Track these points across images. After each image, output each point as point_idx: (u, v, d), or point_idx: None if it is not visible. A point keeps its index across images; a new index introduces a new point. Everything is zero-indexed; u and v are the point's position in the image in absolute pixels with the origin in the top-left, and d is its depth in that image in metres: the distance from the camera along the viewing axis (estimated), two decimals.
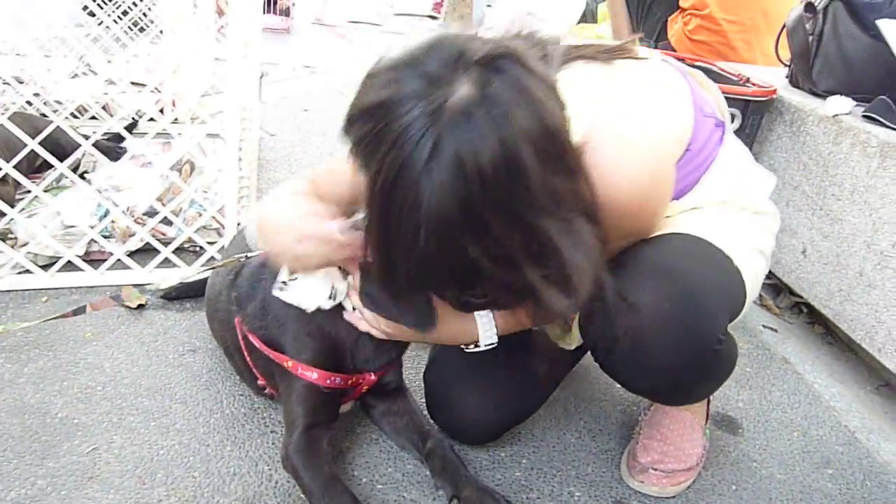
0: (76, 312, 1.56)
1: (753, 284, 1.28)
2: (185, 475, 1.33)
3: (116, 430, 1.42)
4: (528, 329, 1.33)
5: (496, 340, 1.28)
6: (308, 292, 1.28)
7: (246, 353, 1.43)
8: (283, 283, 1.28)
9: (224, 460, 1.38)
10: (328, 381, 1.34)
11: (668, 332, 1.13)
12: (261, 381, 1.46)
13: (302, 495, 1.29)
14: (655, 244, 1.21)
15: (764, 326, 2.22)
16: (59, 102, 2.94)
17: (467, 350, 1.32)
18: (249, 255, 1.46)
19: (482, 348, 1.29)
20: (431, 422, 1.47)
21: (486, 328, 1.26)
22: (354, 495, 1.23)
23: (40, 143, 1.79)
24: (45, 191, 1.83)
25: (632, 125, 1.09)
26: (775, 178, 1.40)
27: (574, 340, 1.40)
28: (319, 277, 1.27)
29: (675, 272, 1.16)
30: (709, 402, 1.59)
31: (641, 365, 1.19)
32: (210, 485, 1.31)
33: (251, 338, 1.39)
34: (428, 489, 1.37)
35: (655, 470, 1.43)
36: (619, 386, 1.76)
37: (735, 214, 1.29)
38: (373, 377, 1.41)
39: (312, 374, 1.33)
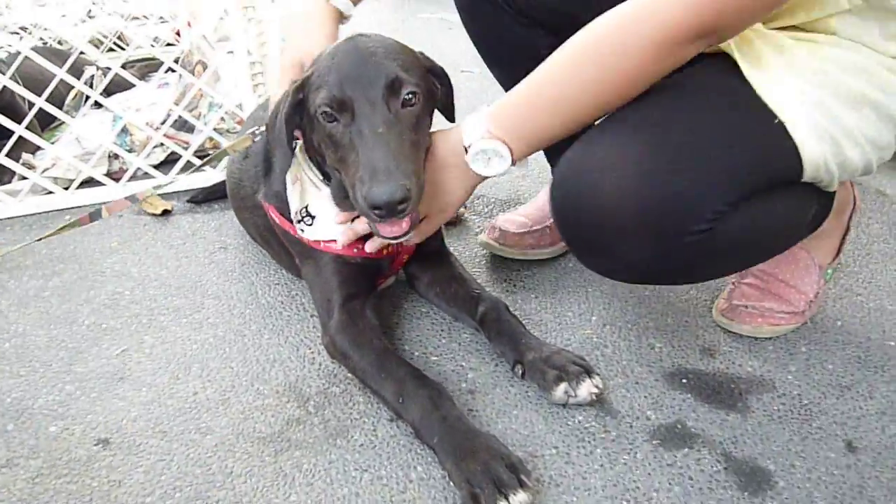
0: (92, 217, 1.43)
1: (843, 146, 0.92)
2: (221, 366, 1.21)
3: (147, 330, 1.31)
4: None
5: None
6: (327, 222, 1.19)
7: (279, 232, 1.30)
8: (308, 217, 1.20)
9: (262, 349, 1.26)
10: (354, 251, 1.19)
11: (629, 219, 0.89)
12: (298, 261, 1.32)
13: (348, 374, 1.16)
14: (660, 99, 0.92)
15: None
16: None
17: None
18: (257, 130, 1.31)
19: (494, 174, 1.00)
20: (482, 285, 1.31)
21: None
22: (412, 366, 1.08)
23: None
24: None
25: None
26: None
27: None
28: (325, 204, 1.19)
29: (654, 140, 0.89)
30: (847, 230, 1.30)
31: (606, 255, 0.97)
32: (249, 373, 1.19)
33: (272, 212, 1.26)
34: (488, 356, 1.22)
35: (748, 308, 1.24)
36: None
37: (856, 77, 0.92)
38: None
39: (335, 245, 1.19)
